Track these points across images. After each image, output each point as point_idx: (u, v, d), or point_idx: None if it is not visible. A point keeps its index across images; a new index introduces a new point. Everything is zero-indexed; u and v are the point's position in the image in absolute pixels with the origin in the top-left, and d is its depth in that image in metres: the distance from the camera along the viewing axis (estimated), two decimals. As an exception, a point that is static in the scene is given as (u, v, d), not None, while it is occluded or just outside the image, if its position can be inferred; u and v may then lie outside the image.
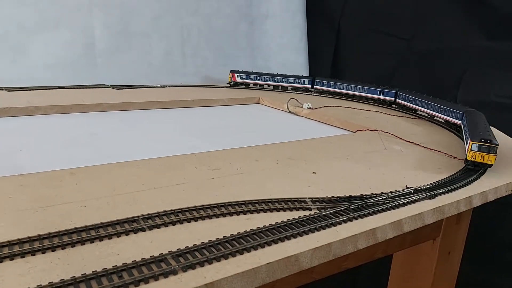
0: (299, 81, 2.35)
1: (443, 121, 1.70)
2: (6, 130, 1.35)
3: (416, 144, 1.37)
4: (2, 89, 1.82)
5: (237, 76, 2.40)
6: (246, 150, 1.21)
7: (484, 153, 1.09)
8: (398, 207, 0.87)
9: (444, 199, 0.94)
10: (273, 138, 1.38)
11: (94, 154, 1.16)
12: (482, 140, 1.10)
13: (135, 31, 2.44)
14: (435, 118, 1.75)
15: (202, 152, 1.15)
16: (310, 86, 2.34)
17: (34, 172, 0.93)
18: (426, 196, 0.93)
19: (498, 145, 1.09)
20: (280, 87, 2.38)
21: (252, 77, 2.39)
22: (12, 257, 0.61)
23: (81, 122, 1.51)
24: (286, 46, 2.82)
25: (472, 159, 1.11)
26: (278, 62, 2.83)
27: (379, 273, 1.63)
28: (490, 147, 1.09)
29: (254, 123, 1.76)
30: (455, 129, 1.61)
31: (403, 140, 1.40)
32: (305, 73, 2.86)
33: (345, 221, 0.79)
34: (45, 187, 0.85)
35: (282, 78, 2.38)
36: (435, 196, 0.94)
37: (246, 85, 2.42)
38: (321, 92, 2.32)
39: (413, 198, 0.90)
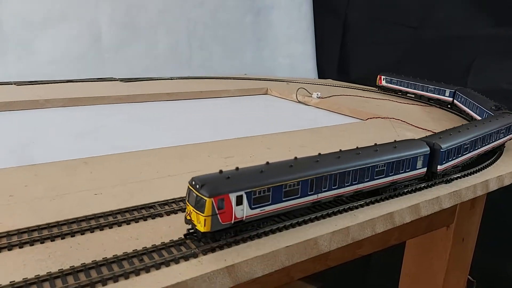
0: (439, 91, 1.83)
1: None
2: (16, 123, 1.36)
3: (428, 130, 1.35)
4: (11, 84, 1.83)
5: (383, 79, 2.11)
6: (258, 139, 1.20)
7: (193, 209, 0.59)
8: (415, 191, 0.86)
9: (461, 184, 0.93)
10: (283, 127, 1.37)
11: (105, 144, 1.16)
12: (193, 183, 0.60)
13: (141, 24, 2.43)
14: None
15: (214, 141, 1.15)
16: (451, 99, 1.76)
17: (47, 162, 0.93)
18: (443, 180, 0.92)
19: (212, 196, 0.58)
20: (420, 96, 1.93)
21: (396, 81, 2.04)
22: (31, 243, 0.61)
23: (90, 114, 1.51)
24: (292, 37, 2.81)
25: (188, 217, 0.61)
26: (285, 53, 2.82)
27: (391, 261, 1.62)
28: (199, 199, 0.58)
29: (263, 113, 1.75)
30: (466, 115, 1.60)
31: (415, 127, 1.39)
32: (312, 63, 2.83)
33: (362, 206, 0.79)
34: (60, 176, 0.86)
35: (423, 86, 1.91)
36: (451, 180, 0.93)
37: (395, 92, 2.06)
38: (461, 112, 1.67)
39: (430, 183, 0.90)
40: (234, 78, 2.37)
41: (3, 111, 1.46)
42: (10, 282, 0.52)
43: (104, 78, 2.10)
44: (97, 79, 2.06)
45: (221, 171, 0.62)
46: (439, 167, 0.89)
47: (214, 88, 2.01)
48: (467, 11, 2.19)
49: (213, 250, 0.60)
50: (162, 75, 2.29)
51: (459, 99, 1.69)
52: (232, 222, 0.61)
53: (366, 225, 0.75)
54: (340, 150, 0.77)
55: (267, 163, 0.67)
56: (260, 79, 2.37)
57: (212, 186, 0.59)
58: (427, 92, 1.89)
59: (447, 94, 1.78)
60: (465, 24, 2.19)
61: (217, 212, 0.59)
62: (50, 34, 2.21)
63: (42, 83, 1.87)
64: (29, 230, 0.64)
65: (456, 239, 1.32)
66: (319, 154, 0.73)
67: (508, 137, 1.21)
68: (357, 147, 0.79)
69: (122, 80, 2.07)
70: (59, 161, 0.93)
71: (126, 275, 0.54)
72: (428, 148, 0.87)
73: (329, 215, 0.74)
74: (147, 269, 0.55)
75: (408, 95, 2.00)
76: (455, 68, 2.21)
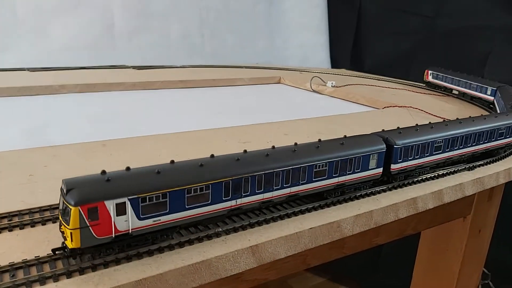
0: (480, 89, 1.59)
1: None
2: (32, 107, 1.36)
3: (447, 119, 1.33)
4: (25, 70, 1.83)
5: (430, 75, 1.90)
6: (274, 125, 1.19)
7: (63, 222, 0.50)
8: (438, 178, 0.85)
9: (484, 171, 0.91)
10: (298, 115, 1.35)
11: (121, 129, 1.16)
12: (61, 186, 0.50)
13: (154, 12, 2.42)
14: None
15: (231, 126, 1.14)
16: (492, 97, 1.53)
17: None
18: (465, 167, 0.90)
19: (79, 204, 0.47)
20: (463, 94, 1.71)
21: (442, 77, 1.83)
22: (54, 220, 0.61)
23: (105, 100, 1.51)
24: (306, 26, 2.77)
25: (62, 230, 0.51)
26: (298, 43, 2.78)
27: (403, 252, 1.61)
28: (64, 207, 0.49)
29: (277, 101, 1.74)
30: (482, 104, 1.57)
31: (433, 115, 1.36)
32: (326, 53, 2.79)
33: (384, 191, 0.77)
34: (79, 157, 0.85)
35: (465, 83, 1.69)
36: (474, 167, 0.92)
37: (441, 88, 1.85)
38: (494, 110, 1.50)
39: (452, 169, 0.88)
40: (246, 67, 2.35)
41: (18, 95, 1.46)
42: (35, 257, 0.52)
43: (117, 65, 2.09)
44: (110, 66, 2.06)
45: (103, 172, 0.50)
46: (392, 167, 0.77)
47: (227, 76, 1.99)
48: (484, 1, 2.15)
49: (236, 230, 0.60)
50: (174, 63, 2.28)
51: (497, 98, 1.46)
52: (113, 236, 0.50)
53: (389, 209, 0.73)
54: (273, 146, 0.65)
55: (172, 161, 0.55)
56: (272, 68, 2.35)
57: (82, 191, 0.47)
58: (469, 89, 1.66)
59: (488, 92, 1.53)
60: (481, 14, 2.15)
61: (88, 224, 0.48)
62: (63, 21, 2.20)
63: (55, 70, 1.87)
64: (51, 208, 0.63)
65: (472, 231, 1.30)
66: (245, 151, 0.61)
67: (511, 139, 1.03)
68: (295, 143, 0.67)
69: (135, 67, 2.07)
70: (77, 143, 0.93)
71: (150, 252, 0.54)
72: (384, 145, 0.74)
73: (351, 199, 0.73)
74: (171, 247, 0.55)
75: (453, 92, 1.77)
76: (471, 59, 2.17)
